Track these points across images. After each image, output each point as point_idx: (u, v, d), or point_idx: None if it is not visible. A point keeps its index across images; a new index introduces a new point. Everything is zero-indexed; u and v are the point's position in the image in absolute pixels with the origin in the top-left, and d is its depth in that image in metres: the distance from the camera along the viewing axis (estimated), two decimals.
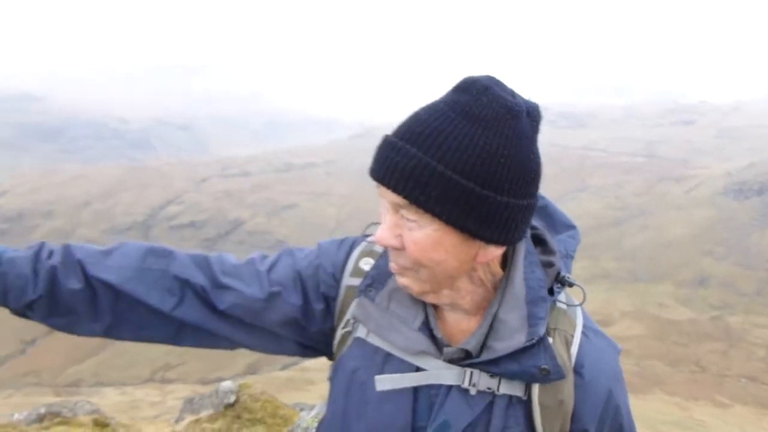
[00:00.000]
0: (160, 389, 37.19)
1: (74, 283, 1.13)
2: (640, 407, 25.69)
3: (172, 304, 1.17)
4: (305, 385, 30.02)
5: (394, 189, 0.96)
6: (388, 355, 1.11)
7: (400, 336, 1.09)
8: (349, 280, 1.19)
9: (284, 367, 38.33)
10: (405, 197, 0.96)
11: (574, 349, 1.09)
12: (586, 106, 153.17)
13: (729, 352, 42.29)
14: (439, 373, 1.08)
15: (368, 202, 73.50)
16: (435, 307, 1.12)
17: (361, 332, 1.15)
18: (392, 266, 1.06)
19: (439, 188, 0.94)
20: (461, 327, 1.11)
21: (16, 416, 5.06)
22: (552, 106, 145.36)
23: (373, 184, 0.96)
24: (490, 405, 1.07)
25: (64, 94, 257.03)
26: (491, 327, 1.07)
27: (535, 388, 1.07)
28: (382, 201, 1.02)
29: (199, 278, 1.18)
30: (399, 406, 1.09)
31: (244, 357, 42.21)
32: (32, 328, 46.24)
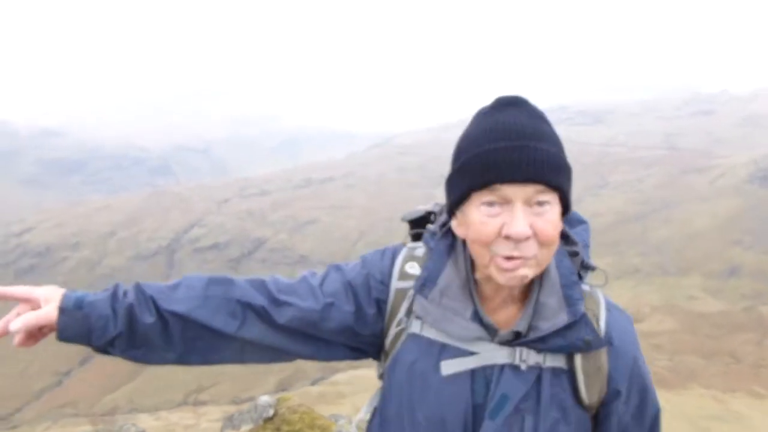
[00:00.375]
0: (193, 412, 37.37)
1: (148, 318, 1.25)
2: (677, 403, 25.27)
3: (235, 326, 1.30)
4: (337, 399, 30.04)
5: (541, 179, 1.14)
6: (444, 345, 1.25)
7: (455, 326, 1.23)
8: (397, 284, 1.33)
9: (314, 382, 38.34)
10: (547, 183, 1.14)
11: (602, 322, 1.26)
12: (603, 102, 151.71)
13: (764, 341, 41.46)
14: (493, 354, 1.23)
15: (388, 212, 73.54)
16: (480, 298, 1.27)
17: (414, 328, 1.28)
18: (510, 264, 1.15)
19: (565, 171, 1.19)
20: (507, 313, 1.26)
21: None
22: (569, 105, 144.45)
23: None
24: (539, 377, 1.22)
25: (84, 127, 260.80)
26: (534, 310, 1.24)
27: (577, 359, 1.23)
28: (500, 200, 1.15)
29: (258, 299, 1.31)
30: (460, 387, 1.23)
31: (274, 374, 42.39)
32: (67, 359, 46.90)
